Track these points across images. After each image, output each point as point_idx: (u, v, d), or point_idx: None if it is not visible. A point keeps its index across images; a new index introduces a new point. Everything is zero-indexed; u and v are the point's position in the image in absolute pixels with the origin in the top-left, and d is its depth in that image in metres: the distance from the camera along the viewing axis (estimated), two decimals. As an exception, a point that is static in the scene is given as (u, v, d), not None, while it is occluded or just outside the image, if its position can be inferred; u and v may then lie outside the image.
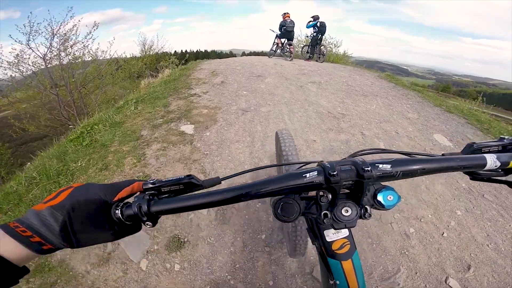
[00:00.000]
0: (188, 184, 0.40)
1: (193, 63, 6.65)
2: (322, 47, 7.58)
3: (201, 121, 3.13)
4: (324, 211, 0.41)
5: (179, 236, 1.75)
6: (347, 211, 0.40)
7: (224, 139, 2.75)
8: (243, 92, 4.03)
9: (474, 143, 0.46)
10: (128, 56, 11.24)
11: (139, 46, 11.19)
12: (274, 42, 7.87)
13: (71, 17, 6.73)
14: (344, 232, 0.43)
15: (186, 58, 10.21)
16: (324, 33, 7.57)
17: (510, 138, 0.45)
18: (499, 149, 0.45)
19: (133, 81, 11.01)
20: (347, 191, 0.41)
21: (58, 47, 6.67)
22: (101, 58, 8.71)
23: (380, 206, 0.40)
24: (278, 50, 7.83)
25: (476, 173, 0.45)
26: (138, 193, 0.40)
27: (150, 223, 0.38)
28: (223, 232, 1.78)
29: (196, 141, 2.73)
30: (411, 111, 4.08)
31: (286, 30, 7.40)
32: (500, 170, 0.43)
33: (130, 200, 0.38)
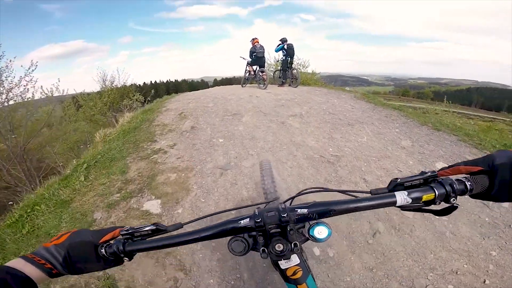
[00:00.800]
0: (155, 230, 0.49)
1: (158, 102, 5.99)
2: (294, 71, 7.38)
3: (169, 192, 2.47)
4: (262, 247, 0.48)
5: None
6: (280, 247, 0.46)
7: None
8: (218, 140, 3.45)
9: (398, 179, 0.47)
10: (89, 91, 9.97)
11: (98, 82, 9.83)
12: (246, 69, 7.54)
13: None
14: (295, 260, 0.51)
15: (153, 93, 9.48)
16: (293, 55, 7.37)
17: (430, 171, 0.46)
18: (421, 182, 0.46)
19: (96, 123, 9.81)
20: (279, 230, 0.48)
21: None
22: (57, 95, 7.61)
23: (314, 239, 0.48)
24: (251, 78, 7.50)
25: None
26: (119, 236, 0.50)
27: (127, 259, 0.48)
28: None
29: (166, 224, 2.06)
30: (403, 136, 3.79)
31: (256, 57, 7.06)
32: (421, 202, 0.45)
33: (112, 241, 0.49)
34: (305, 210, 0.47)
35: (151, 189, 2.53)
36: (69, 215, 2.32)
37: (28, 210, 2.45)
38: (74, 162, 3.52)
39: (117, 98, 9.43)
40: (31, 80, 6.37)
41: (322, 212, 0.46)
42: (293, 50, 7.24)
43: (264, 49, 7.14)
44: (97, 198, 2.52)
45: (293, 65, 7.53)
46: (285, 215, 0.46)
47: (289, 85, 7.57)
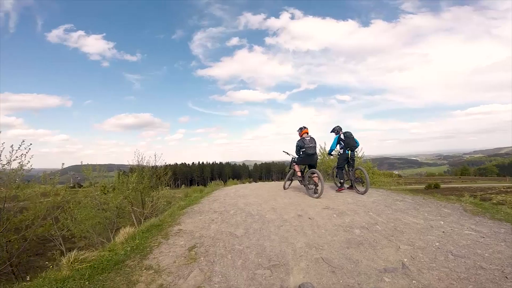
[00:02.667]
0: None
1: (174, 212, 4.51)
2: (357, 170, 5.50)
3: None
4: None
5: None
6: None
7: None
8: None
9: None
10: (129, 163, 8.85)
11: (133, 162, 8.78)
12: (290, 167, 6.01)
13: None
14: None
15: (182, 188, 8.43)
16: (355, 146, 5.43)
17: None
18: None
19: (122, 211, 8.72)
20: None
21: None
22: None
23: None
24: (297, 179, 5.77)
25: None
26: None
27: None
28: None
29: None
30: None
31: (305, 154, 5.28)
32: None
33: None
34: None
35: None
36: None
37: None
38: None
39: (146, 189, 8.46)
40: (22, 167, 5.31)
41: None
42: (354, 140, 5.43)
43: (315, 143, 5.34)
44: None
45: (354, 162, 5.61)
46: None
47: (349, 188, 5.66)
